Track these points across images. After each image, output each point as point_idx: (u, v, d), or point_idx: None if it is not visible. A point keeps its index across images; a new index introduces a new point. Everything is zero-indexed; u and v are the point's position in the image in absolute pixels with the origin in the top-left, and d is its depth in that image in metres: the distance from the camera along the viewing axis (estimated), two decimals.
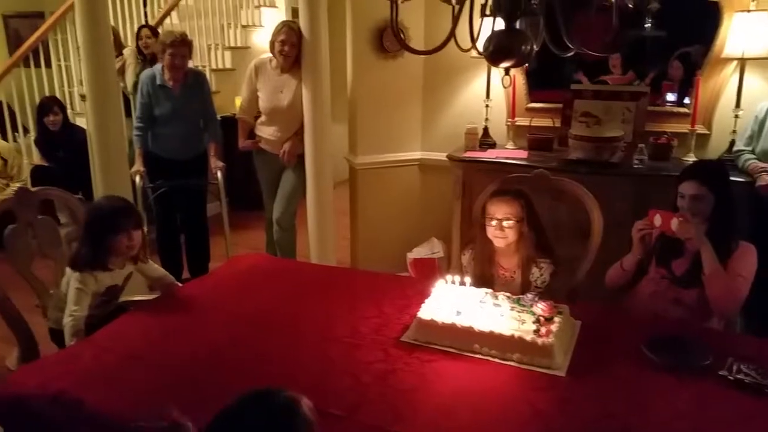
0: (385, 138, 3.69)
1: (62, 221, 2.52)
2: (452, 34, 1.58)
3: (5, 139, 4.73)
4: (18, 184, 4.12)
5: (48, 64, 5.15)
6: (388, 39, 3.51)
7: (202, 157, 3.66)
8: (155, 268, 2.27)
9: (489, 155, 3.28)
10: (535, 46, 1.58)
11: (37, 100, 4.94)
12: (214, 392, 1.48)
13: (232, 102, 5.09)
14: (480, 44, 1.62)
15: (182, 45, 3.38)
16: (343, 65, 3.76)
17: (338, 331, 1.78)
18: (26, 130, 5.04)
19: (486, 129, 3.46)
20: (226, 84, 5.29)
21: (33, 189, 2.27)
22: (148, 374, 1.57)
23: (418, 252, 3.60)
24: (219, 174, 3.60)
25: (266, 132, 3.52)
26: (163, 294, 2.18)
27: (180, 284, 2.34)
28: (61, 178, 4.10)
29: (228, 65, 5.43)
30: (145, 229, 3.61)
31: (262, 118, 3.53)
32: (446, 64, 3.49)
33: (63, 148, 4.50)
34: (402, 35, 2.10)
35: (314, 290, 2.15)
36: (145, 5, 5.76)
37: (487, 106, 3.45)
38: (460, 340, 1.64)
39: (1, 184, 4.19)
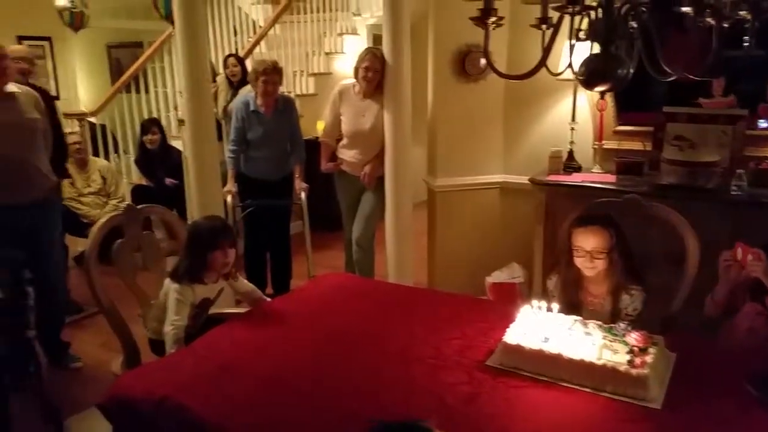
0: (465, 161, 3.71)
1: (158, 237, 2.70)
2: (545, 59, 1.58)
3: (107, 159, 5.12)
4: (114, 201, 4.45)
5: (146, 90, 5.55)
6: (470, 62, 3.55)
7: (288, 179, 3.81)
8: (244, 283, 2.38)
9: (574, 179, 3.21)
10: (631, 70, 1.56)
11: (136, 124, 5.34)
12: (303, 403, 1.55)
13: (314, 126, 5.28)
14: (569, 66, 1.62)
15: (274, 73, 3.55)
16: (424, 88, 3.82)
17: (421, 352, 1.80)
18: (125, 152, 5.44)
19: (571, 152, 3.40)
20: (309, 108, 5.49)
21: (138, 207, 2.43)
22: (242, 383, 1.64)
23: (498, 276, 3.56)
24: (303, 195, 3.73)
25: (348, 154, 3.62)
26: (253, 309, 2.28)
27: (268, 299, 2.43)
28: (158, 196, 4.39)
29: (311, 90, 5.64)
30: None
31: (344, 141, 3.63)
32: (530, 87, 3.45)
33: (160, 168, 4.81)
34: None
35: (396, 310, 2.18)
36: (235, 35, 6.11)
37: (572, 129, 3.40)
38: (549, 368, 1.61)
39: (101, 200, 4.51)
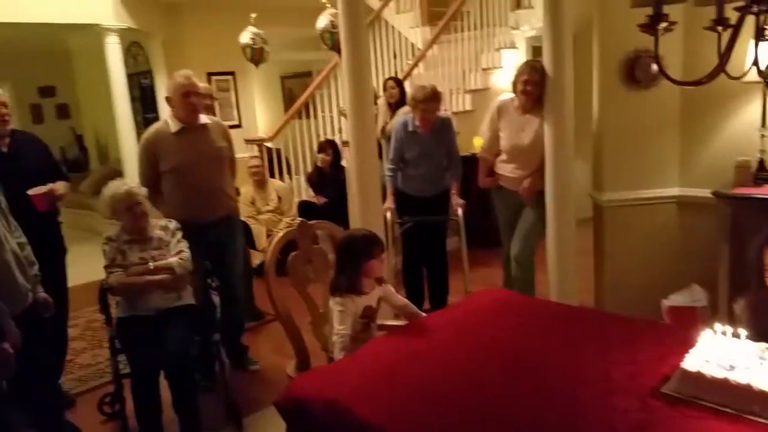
0: (636, 173, 3.46)
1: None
2: (724, 63, 1.45)
3: (281, 180, 5.59)
4: (288, 219, 4.83)
5: (315, 116, 5.99)
6: (640, 69, 3.33)
7: (445, 195, 3.86)
8: (399, 297, 2.46)
9: (766, 192, 2.85)
10: None
11: (306, 147, 5.78)
12: (465, 417, 1.55)
13: (471, 142, 5.29)
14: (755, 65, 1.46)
15: (433, 100, 3.63)
16: (586, 100, 3.66)
17: (588, 374, 1.71)
18: (296, 174, 5.91)
19: (761, 162, 3.03)
20: (465, 125, 5.51)
21: (311, 222, 2.63)
22: (403, 390, 1.69)
23: (676, 299, 3.25)
24: (459, 210, 3.75)
25: (506, 169, 3.57)
26: (412, 321, 2.33)
27: (423, 314, 2.48)
28: (324, 212, 4.70)
29: (468, 107, 5.67)
30: (393, 261, 3.94)
31: (503, 156, 3.60)
32: (709, 92, 3.13)
33: (329, 186, 5.15)
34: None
35: (560, 329, 2.10)
36: (395, 58, 6.37)
37: (762, 135, 3.02)
38: (735, 399, 1.44)
39: (276, 218, 4.92)
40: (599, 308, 3.54)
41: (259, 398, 3.10)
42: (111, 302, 2.88)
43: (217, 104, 4.79)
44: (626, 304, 3.29)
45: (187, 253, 2.86)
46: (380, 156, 4.69)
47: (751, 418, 1.41)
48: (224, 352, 3.08)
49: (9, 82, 8.81)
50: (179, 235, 2.92)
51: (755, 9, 1.39)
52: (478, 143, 4.23)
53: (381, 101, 5.29)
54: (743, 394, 1.43)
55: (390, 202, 3.83)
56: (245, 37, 5.40)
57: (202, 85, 3.40)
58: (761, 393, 1.41)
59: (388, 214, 3.78)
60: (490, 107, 3.70)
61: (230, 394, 2.95)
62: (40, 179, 2.80)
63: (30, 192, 2.69)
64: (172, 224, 2.94)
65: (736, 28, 1.46)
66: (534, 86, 3.29)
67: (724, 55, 1.48)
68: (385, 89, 5.21)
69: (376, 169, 3.57)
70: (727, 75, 1.53)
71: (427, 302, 4.01)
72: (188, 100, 3.06)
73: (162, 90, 6.39)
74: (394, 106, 5.04)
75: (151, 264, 2.77)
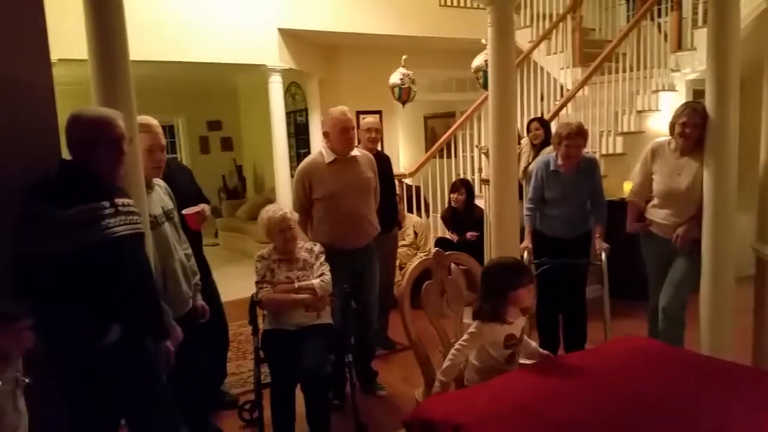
0: None
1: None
2: None
3: (419, 216, 5.73)
4: (423, 254, 4.92)
5: (455, 155, 6.10)
6: None
7: (586, 237, 3.72)
8: (529, 342, 2.38)
9: None
10: None
11: (444, 185, 5.89)
12: None
13: (620, 187, 5.06)
14: None
15: (578, 137, 3.56)
16: (753, 146, 3.36)
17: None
18: (434, 211, 6.03)
19: None
20: (615, 168, 5.30)
21: (447, 253, 2.68)
22: (530, 425, 1.66)
23: None
24: (603, 255, 3.59)
25: (658, 215, 3.38)
26: (550, 358, 2.28)
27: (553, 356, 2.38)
28: (459, 249, 4.72)
29: (619, 150, 5.44)
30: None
31: (655, 201, 3.41)
32: None
33: (463, 223, 5.19)
34: None
35: (710, 382, 1.94)
36: (542, 99, 6.33)
37: None
38: None
39: (411, 252, 5.03)
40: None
41: (385, 422, 3.17)
42: (258, 315, 3.12)
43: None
44: None
45: (328, 276, 3.05)
46: (520, 197, 4.66)
47: None
48: (355, 374, 3.20)
49: (184, 116, 10.10)
50: (322, 258, 3.12)
51: None
52: (627, 188, 4.04)
53: (525, 141, 5.27)
54: None
55: (528, 242, 3.77)
56: (395, 77, 5.71)
57: (371, 119, 3.65)
58: None
59: (525, 254, 3.72)
60: (645, 150, 3.54)
61: (359, 415, 3.04)
62: (188, 201, 3.02)
63: (184, 211, 2.89)
64: (317, 247, 3.15)
65: None
66: (693, 128, 3.12)
67: None
68: (529, 130, 5.19)
69: (516, 207, 3.55)
70: None
71: (562, 349, 3.84)
72: (346, 135, 3.31)
73: (315, 126, 6.92)
74: (538, 147, 4.99)
75: (296, 283, 2.98)
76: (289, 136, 7.30)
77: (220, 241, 9.06)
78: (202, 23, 5.59)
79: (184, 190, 3.06)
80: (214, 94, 9.79)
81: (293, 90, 7.89)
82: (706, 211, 3.09)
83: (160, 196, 2.58)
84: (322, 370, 2.81)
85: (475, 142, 6.10)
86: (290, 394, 2.81)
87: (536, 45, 6.41)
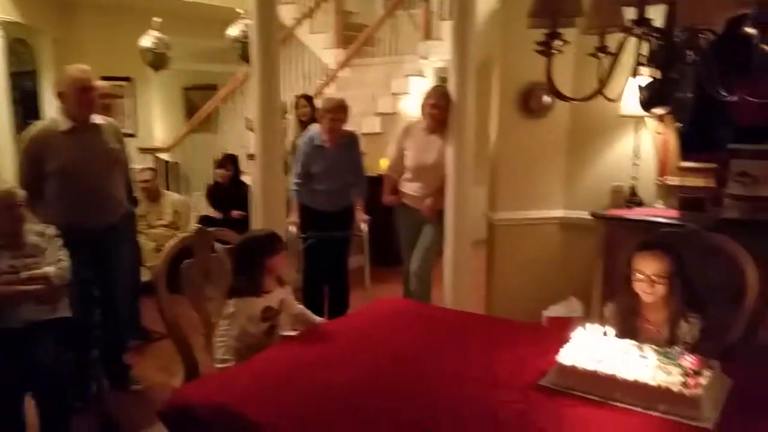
0: (526, 195, 3.72)
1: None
2: (603, 85, 1.63)
3: (180, 193, 5.39)
4: (183, 236, 4.63)
5: (221, 130, 5.87)
6: (534, 100, 3.60)
7: (349, 210, 3.90)
8: (296, 305, 2.36)
9: (636, 214, 3.16)
10: (689, 94, 1.58)
11: (206, 161, 5.63)
12: (358, 415, 1.58)
13: (377, 163, 5.40)
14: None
15: (340, 111, 3.70)
16: (484, 127, 3.87)
17: (475, 371, 1.80)
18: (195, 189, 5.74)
19: (633, 188, 3.36)
20: (374, 146, 5.60)
21: (210, 229, 2.54)
22: (299, 395, 1.68)
23: (555, 311, 3.50)
24: (364, 226, 3.81)
25: (410, 188, 3.69)
26: (310, 327, 2.30)
27: (320, 319, 2.40)
28: (223, 227, 4.56)
29: (377, 129, 5.78)
30: (294, 276, 3.88)
31: (407, 175, 3.71)
32: (592, 123, 3.49)
33: (229, 201, 5.03)
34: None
35: (452, 332, 2.20)
36: (304, 79, 6.41)
37: (635, 164, 3.35)
38: (602, 388, 1.58)
39: (169, 233, 4.68)
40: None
41: (142, 418, 2.87)
42: None
43: (117, 102, 4.52)
44: (513, 316, 3.46)
45: (66, 263, 2.65)
46: (285, 171, 4.68)
47: (616, 404, 1.56)
48: (103, 371, 2.88)
49: None
50: (59, 242, 2.70)
51: (637, 31, 1.56)
52: (384, 164, 4.33)
53: (291, 117, 5.29)
54: (610, 383, 1.58)
55: (294, 216, 3.81)
56: (146, 40, 5.21)
57: (99, 82, 3.22)
58: (624, 381, 1.56)
59: (292, 228, 3.75)
60: (397, 128, 3.82)
61: (106, 415, 2.74)
62: None
63: None
64: (50, 230, 2.72)
65: (614, 56, 1.65)
66: (440, 110, 3.45)
67: (603, 79, 1.66)
68: (297, 107, 5.22)
69: (282, 182, 3.55)
70: (605, 97, 1.72)
71: (326, 318, 3.98)
72: (86, 95, 2.90)
73: (47, 93, 5.98)
74: (305, 124, 5.04)
75: (23, 273, 2.56)
76: (14, 102, 6.17)
77: None
78: None
79: None
80: None
81: (18, 48, 6.70)
82: (449, 183, 3.46)
83: None
84: (58, 372, 2.45)
85: (240, 116, 5.93)
86: (18, 404, 2.41)
87: (299, 22, 6.44)
